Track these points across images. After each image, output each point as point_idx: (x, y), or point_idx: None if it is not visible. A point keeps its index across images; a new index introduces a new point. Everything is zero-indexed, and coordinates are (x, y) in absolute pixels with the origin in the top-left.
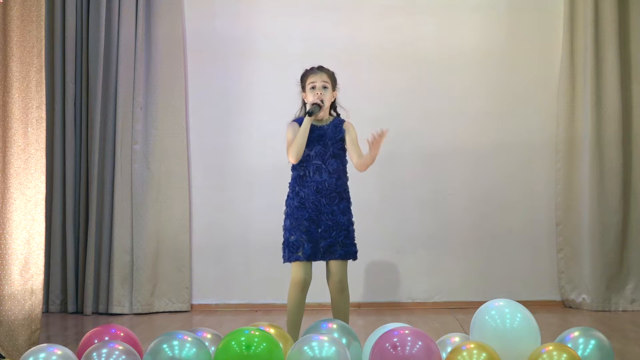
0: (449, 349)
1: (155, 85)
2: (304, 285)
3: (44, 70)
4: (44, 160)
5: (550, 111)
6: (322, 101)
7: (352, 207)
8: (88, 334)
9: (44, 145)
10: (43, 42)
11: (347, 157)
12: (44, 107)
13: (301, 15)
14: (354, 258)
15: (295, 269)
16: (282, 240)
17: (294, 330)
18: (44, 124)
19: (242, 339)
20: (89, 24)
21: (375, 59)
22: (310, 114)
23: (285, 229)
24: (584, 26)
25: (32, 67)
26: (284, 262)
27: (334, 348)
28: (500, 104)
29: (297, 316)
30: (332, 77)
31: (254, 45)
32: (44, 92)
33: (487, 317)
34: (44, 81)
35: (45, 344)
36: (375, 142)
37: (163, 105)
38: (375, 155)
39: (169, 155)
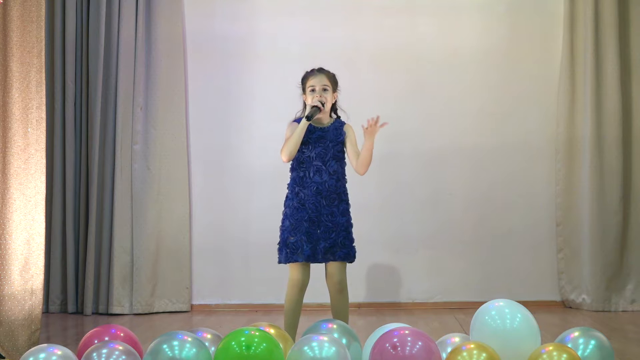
0: (449, 349)
1: (155, 85)
2: (302, 286)
3: (44, 71)
4: (44, 161)
5: (550, 111)
6: (322, 104)
7: (351, 208)
8: (88, 334)
9: (44, 146)
10: (43, 43)
11: (346, 160)
12: (44, 107)
13: (301, 16)
14: (352, 260)
15: (293, 270)
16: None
17: (291, 331)
18: (44, 124)
19: (242, 339)
20: (89, 24)
21: (375, 60)
22: (309, 117)
23: (284, 230)
24: (584, 26)
25: (32, 67)
26: (279, 262)
27: (334, 348)
28: (500, 104)
29: (294, 317)
30: (332, 79)
31: (254, 45)
32: (44, 93)
33: (487, 317)
34: (44, 81)
35: (45, 344)
36: (371, 129)
37: (163, 105)
38: (371, 146)
39: (169, 155)
